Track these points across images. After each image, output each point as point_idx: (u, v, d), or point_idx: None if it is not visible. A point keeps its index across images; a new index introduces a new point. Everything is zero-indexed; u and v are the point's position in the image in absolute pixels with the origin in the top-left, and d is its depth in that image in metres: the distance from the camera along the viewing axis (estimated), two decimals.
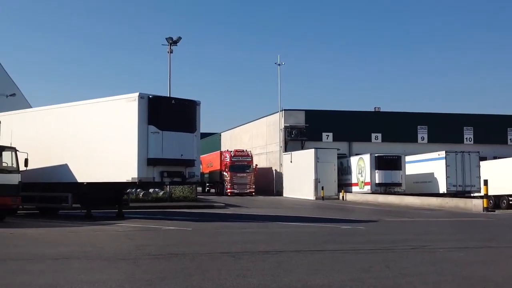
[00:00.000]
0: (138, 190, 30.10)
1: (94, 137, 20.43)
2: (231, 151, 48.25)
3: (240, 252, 11.33)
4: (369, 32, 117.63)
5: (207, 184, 52.97)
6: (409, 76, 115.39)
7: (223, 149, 68.06)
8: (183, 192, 32.44)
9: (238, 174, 46.44)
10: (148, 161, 19.15)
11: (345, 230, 17.74)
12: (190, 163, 20.32)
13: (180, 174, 20.24)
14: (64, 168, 20.90)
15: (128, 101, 19.56)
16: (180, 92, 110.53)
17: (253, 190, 46.69)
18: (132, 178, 19.12)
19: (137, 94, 19.35)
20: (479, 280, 8.94)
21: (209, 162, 52.38)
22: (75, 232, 16.41)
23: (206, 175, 52.06)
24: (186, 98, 20.93)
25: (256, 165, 48.79)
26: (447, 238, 15.76)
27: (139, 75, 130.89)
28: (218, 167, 48.68)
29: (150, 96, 19.57)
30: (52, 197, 21.80)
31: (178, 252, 11.25)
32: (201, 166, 50.50)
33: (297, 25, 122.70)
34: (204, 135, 60.83)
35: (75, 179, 20.71)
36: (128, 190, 23.98)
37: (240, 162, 47.13)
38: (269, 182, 50.50)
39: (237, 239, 14.37)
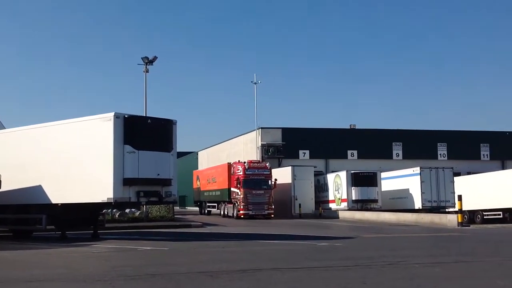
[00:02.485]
0: (114, 210, 29.78)
1: (69, 157, 20.20)
2: (244, 162, 39.23)
3: (218, 271, 11.27)
4: (344, 48, 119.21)
5: (208, 204, 45.02)
6: (385, 92, 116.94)
7: (200, 167, 67.75)
8: (160, 212, 32.18)
9: (254, 192, 37.44)
10: (124, 181, 19.00)
11: (323, 247, 17.79)
12: (166, 182, 20.21)
13: (157, 194, 20.11)
14: (38, 189, 20.59)
15: (103, 121, 19.44)
16: (156, 111, 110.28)
17: (272, 211, 37.92)
18: (107, 198, 18.93)
19: (112, 113, 19.25)
20: None
21: (210, 177, 44.76)
22: (49, 254, 16.14)
23: (206, 193, 45.32)
24: (162, 117, 20.91)
25: (276, 180, 39.27)
26: (423, 253, 15.90)
27: (114, 95, 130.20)
28: (226, 183, 40.01)
29: (126, 116, 19.49)
30: (26, 219, 21.41)
31: (155, 273, 11.15)
32: (198, 183, 47.34)
33: (273, 43, 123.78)
34: (181, 154, 60.62)
35: (49, 200, 20.41)
36: (103, 211, 23.70)
37: (257, 176, 38.02)
38: None
39: (214, 258, 14.30)
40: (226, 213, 39.76)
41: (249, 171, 37.93)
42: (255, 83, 52.43)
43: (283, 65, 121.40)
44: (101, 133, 19.41)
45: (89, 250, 17.03)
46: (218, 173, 42.55)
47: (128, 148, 19.11)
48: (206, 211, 45.24)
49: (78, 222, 21.44)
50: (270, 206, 37.70)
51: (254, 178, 37.77)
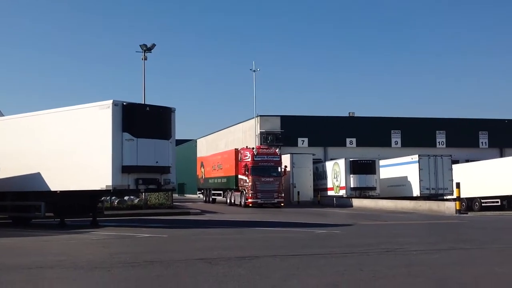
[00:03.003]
0: (113, 197, 29.84)
1: (68, 145, 20.20)
2: (253, 148, 38.09)
3: (216, 258, 11.32)
4: (343, 37, 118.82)
5: (213, 192, 43.79)
6: (383, 80, 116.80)
7: (199, 155, 67.52)
8: (158, 199, 32.26)
9: (263, 179, 36.26)
10: (122, 168, 19.02)
11: (321, 234, 17.85)
12: (165, 170, 20.23)
13: (156, 181, 20.15)
14: (37, 176, 20.61)
15: (102, 109, 19.41)
16: (154, 99, 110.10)
17: (282, 200, 36.98)
18: (106, 186, 18.96)
19: (111, 101, 19.22)
20: (452, 281, 9.10)
21: (215, 163, 43.43)
22: (48, 241, 16.18)
23: (211, 181, 44.05)
24: (161, 105, 20.89)
25: (286, 166, 38.56)
26: (420, 240, 15.97)
27: (113, 84, 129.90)
28: (233, 169, 38.75)
29: (124, 103, 19.46)
30: (25, 206, 21.47)
31: (153, 260, 11.19)
32: (203, 169, 46.12)
33: (272, 31, 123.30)
34: (179, 142, 60.58)
35: (48, 188, 20.43)
36: (102, 198, 23.74)
37: (266, 163, 36.74)
38: None
39: (213, 245, 14.35)
40: (233, 201, 38.66)
41: (258, 157, 36.61)
42: (254, 70, 52.19)
43: (282, 53, 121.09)
44: (100, 121, 19.39)
45: (88, 237, 17.08)
46: (225, 159, 41.09)
47: (126, 135, 19.10)
48: (210, 199, 44.01)
49: (77, 209, 21.49)
50: (280, 194, 36.54)
51: (263, 165, 36.55)
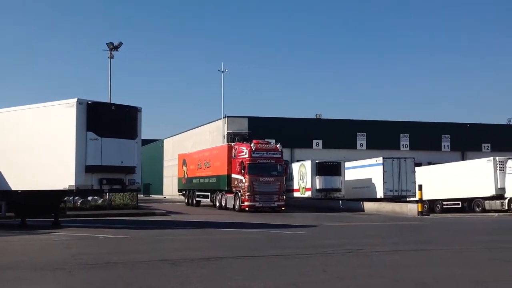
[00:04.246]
0: (76, 198, 29.36)
1: (30, 144, 19.79)
2: (250, 143, 32.76)
3: (180, 260, 11.27)
4: (311, 38, 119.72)
5: (198, 194, 38.83)
6: (350, 83, 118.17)
7: (166, 157, 66.58)
8: (123, 200, 31.87)
9: (262, 179, 31.51)
10: (86, 168, 18.73)
11: (285, 235, 17.95)
12: (130, 170, 20.01)
13: (120, 182, 19.91)
14: None
15: (66, 107, 19.10)
16: (121, 98, 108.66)
17: (283, 203, 32.34)
18: (69, 185, 18.65)
19: (75, 99, 18.92)
20: (412, 282, 9.28)
21: (201, 161, 38.54)
22: (8, 241, 15.84)
23: (196, 181, 39.18)
24: (127, 104, 20.66)
25: (287, 164, 34.51)
26: (383, 241, 16.23)
27: (79, 82, 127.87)
28: (224, 168, 33.74)
29: (89, 102, 19.19)
30: None
31: (116, 261, 11.07)
32: (185, 168, 41.37)
33: (240, 31, 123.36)
34: (146, 142, 60.08)
35: (9, 187, 19.96)
36: (65, 198, 23.34)
37: (265, 160, 31.92)
38: None
39: (177, 247, 14.29)
40: (223, 204, 33.98)
41: (256, 153, 31.67)
42: (222, 71, 52.16)
43: (251, 54, 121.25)
44: (64, 119, 19.07)
45: (50, 238, 16.78)
46: (214, 156, 36.23)
47: (91, 135, 18.83)
48: (194, 202, 39.08)
49: (38, 209, 21.08)
50: (280, 197, 31.96)
51: (263, 162, 31.75)
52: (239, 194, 31.92)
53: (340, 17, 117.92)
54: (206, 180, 37.25)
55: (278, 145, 33.17)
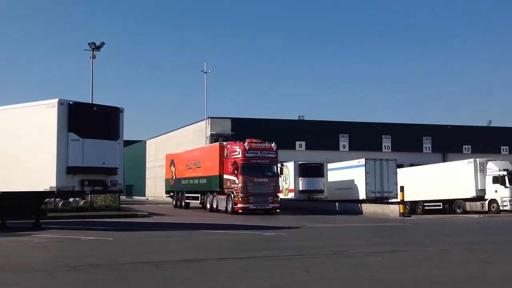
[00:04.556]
0: (57, 199, 29.07)
1: (11, 144, 19.55)
2: (243, 142, 31.39)
3: (163, 261, 11.21)
4: (294, 39, 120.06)
5: (187, 195, 37.46)
6: (333, 85, 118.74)
7: (149, 158, 66.08)
8: (105, 201, 31.62)
9: (256, 179, 30.54)
10: (67, 169, 18.54)
11: (268, 237, 17.96)
12: (112, 171, 19.86)
13: (102, 183, 19.73)
14: None
15: (47, 107, 18.90)
16: (104, 99, 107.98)
17: (278, 205, 31.40)
18: (50, 187, 18.45)
19: (56, 100, 18.73)
20: (394, 283, 9.35)
21: (191, 161, 37.23)
22: None
23: (185, 182, 37.89)
24: (109, 105, 20.51)
25: (282, 164, 33.72)
26: (365, 243, 16.32)
27: (61, 82, 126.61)
28: (216, 168, 32.69)
29: (71, 102, 19.01)
30: None
31: (97, 263, 10.98)
32: (173, 169, 39.70)
33: (224, 31, 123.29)
34: (128, 143, 59.67)
35: None
36: (46, 200, 23.07)
37: (260, 160, 30.94)
38: None
39: (159, 248, 14.21)
40: (215, 206, 32.79)
41: (250, 153, 30.62)
42: (205, 72, 52.05)
43: (234, 55, 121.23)
44: (45, 120, 18.87)
45: (30, 240, 16.59)
46: (205, 156, 35.15)
47: (72, 135, 18.65)
48: (183, 204, 37.86)
49: (19, 211, 20.82)
50: (275, 198, 31.04)
51: (257, 162, 30.75)
52: (232, 195, 30.86)
53: (321, 18, 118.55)
54: (196, 181, 36.01)
55: (273, 144, 31.91)
